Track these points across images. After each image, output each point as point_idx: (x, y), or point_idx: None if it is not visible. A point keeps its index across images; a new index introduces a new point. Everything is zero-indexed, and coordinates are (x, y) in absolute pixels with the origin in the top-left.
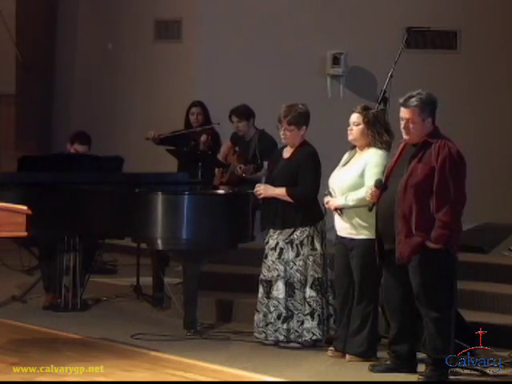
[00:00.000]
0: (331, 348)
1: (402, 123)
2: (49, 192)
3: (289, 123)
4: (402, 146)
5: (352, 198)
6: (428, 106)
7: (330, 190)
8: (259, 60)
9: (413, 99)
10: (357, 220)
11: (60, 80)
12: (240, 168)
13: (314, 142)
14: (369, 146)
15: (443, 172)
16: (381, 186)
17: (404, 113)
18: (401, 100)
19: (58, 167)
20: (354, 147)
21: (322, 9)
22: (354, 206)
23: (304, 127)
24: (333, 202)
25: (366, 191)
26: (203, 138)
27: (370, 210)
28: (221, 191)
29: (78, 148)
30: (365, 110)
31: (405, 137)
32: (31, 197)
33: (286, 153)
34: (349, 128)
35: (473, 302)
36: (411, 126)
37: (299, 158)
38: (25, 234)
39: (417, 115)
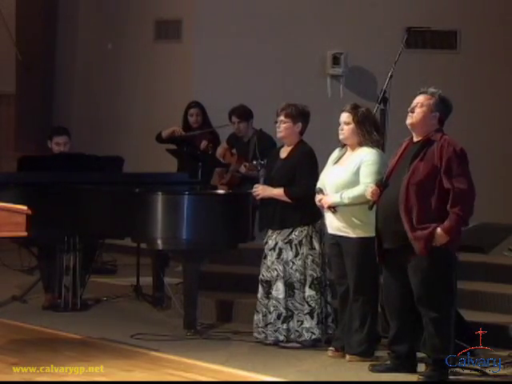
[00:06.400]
0: (331, 348)
1: (411, 108)
2: (49, 192)
3: (285, 115)
4: (404, 144)
5: (348, 196)
6: (442, 104)
7: (321, 188)
8: (259, 60)
9: (432, 89)
10: (351, 218)
11: (60, 80)
12: (245, 166)
13: (313, 141)
14: (360, 144)
15: (450, 172)
16: (382, 184)
17: (418, 98)
18: (422, 89)
19: (58, 167)
20: (344, 145)
21: (321, 9)
22: (349, 204)
23: (300, 124)
24: (327, 199)
25: (363, 189)
26: (203, 144)
27: (371, 208)
28: (221, 191)
29: (58, 140)
30: (354, 109)
31: (408, 121)
32: (31, 197)
33: (283, 153)
34: (339, 127)
35: (473, 302)
36: (418, 109)
37: (296, 158)
38: (25, 234)
39: (428, 101)
